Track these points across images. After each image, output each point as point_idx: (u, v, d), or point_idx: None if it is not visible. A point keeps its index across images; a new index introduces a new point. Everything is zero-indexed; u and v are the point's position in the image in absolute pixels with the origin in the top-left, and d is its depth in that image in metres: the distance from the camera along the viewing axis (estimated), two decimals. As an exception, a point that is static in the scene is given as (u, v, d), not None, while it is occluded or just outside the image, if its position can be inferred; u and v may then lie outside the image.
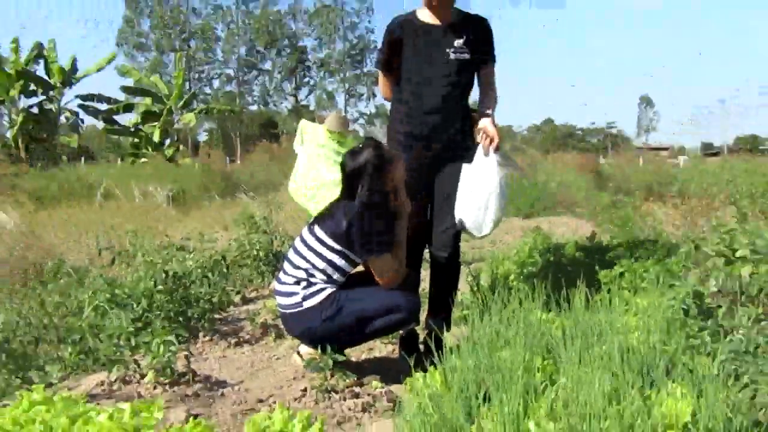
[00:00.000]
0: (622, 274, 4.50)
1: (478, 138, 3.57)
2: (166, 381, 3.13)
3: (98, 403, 2.63)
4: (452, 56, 3.54)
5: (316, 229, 3.39)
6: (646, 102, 78.09)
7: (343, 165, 3.46)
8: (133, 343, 3.44)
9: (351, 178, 3.40)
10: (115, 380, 3.15)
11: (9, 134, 28.19)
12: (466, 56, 3.56)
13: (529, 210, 11.08)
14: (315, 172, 5.35)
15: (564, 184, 14.07)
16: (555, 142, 55.41)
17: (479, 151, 3.54)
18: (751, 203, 10.88)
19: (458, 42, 3.54)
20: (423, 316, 3.79)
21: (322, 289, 3.29)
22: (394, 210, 3.43)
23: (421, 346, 3.66)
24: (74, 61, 28.66)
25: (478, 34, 3.62)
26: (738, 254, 3.59)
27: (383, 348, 3.90)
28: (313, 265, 3.32)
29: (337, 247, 3.31)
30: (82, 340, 3.60)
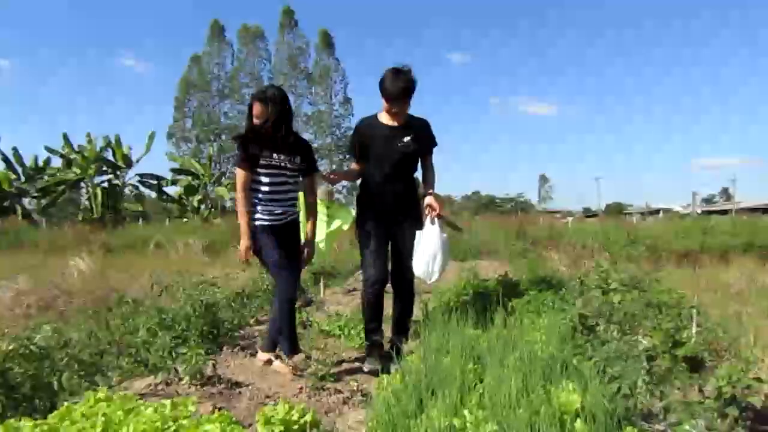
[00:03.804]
0: (528, 301, 4.53)
1: (426, 210, 3.58)
2: (198, 383, 3.06)
3: (147, 400, 2.54)
4: (401, 148, 3.57)
5: None
6: (543, 179, 79.72)
7: None
8: (174, 354, 3.36)
9: None
10: (160, 382, 3.07)
11: (87, 203, 27.95)
12: (410, 148, 3.59)
13: (463, 255, 11.08)
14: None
15: (488, 237, 14.15)
16: (481, 207, 56.05)
17: (427, 220, 3.56)
18: (618, 250, 11.07)
19: (407, 139, 3.57)
20: (388, 332, 3.76)
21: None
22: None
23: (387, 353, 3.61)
24: (130, 148, 28.54)
25: (420, 132, 3.65)
26: (611, 287, 3.64)
27: (359, 355, 3.84)
28: None
29: None
30: (136, 352, 3.53)
